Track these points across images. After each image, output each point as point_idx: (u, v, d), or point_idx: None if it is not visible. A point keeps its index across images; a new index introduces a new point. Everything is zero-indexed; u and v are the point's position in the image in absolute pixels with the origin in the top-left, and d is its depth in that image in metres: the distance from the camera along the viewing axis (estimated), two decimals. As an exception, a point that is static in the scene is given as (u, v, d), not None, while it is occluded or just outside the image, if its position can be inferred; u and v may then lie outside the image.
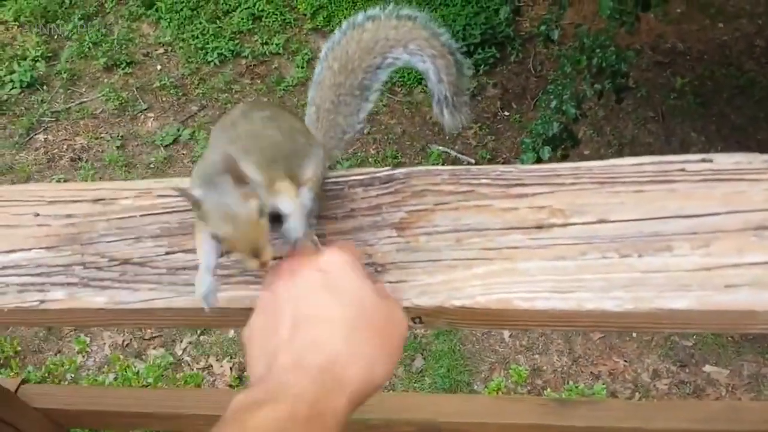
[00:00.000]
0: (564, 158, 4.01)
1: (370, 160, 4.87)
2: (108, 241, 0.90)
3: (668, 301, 0.73)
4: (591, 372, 3.80)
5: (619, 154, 4.86)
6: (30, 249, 0.91)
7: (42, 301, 0.86)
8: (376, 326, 0.65)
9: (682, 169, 0.83)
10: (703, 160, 0.83)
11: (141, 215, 0.92)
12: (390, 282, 0.81)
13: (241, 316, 0.84)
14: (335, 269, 0.67)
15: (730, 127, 4.91)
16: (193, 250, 0.88)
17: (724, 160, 0.83)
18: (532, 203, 0.85)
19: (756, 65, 5.28)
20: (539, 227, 0.82)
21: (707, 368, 3.75)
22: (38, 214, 0.95)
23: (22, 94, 5.31)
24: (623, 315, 0.74)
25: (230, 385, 3.41)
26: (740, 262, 0.74)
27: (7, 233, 0.94)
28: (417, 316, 0.81)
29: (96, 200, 0.95)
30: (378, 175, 0.92)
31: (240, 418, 0.57)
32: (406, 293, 0.80)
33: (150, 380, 2.80)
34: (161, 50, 5.57)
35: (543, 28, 4.08)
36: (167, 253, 0.87)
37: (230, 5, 5.78)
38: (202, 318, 0.86)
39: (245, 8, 5.73)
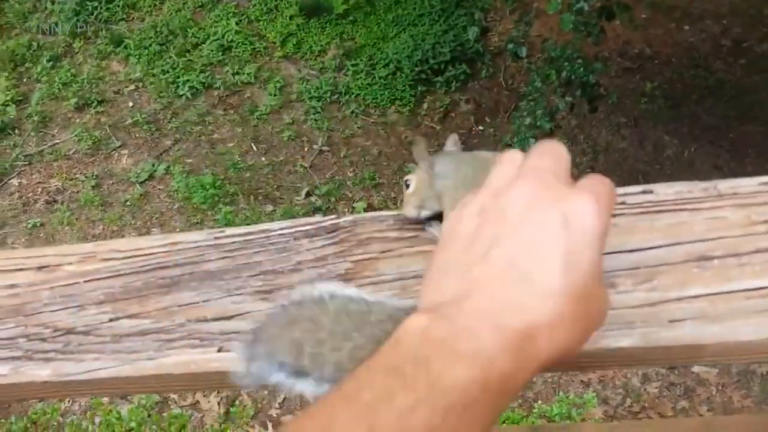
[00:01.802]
0: (542, 171, 4.02)
1: (348, 183, 4.87)
2: (51, 311, 0.88)
3: (613, 340, 0.72)
4: (581, 380, 3.79)
5: (595, 161, 4.89)
6: (-27, 323, 0.89)
7: (-14, 378, 0.84)
8: (588, 312, 0.53)
9: (623, 202, 0.83)
10: (644, 192, 0.83)
11: (84, 281, 0.90)
12: (337, 336, 0.80)
13: (186, 380, 0.82)
14: (581, 227, 0.53)
15: (702, 127, 4.96)
16: (136, 316, 0.86)
17: (665, 191, 0.83)
18: (477, 245, 0.84)
19: (724, 65, 5.35)
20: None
21: (696, 369, 3.76)
22: (-19, 286, 0.93)
23: (-6, 140, 5.28)
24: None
25: (218, 422, 3.38)
26: (683, 295, 0.74)
27: (-50, 307, 0.92)
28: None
29: (40, 267, 0.94)
30: (324, 224, 0.91)
31: (431, 363, 0.46)
32: (353, 347, 0.78)
33: (133, 425, 2.76)
34: (132, 87, 5.56)
35: (511, 45, 4.12)
36: (111, 320, 0.86)
37: (199, 38, 5.79)
38: (149, 385, 0.84)
39: (214, 40, 5.74)
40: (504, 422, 3.02)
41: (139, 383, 0.83)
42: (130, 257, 0.92)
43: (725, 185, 0.81)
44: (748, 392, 3.63)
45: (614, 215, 0.82)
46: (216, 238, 0.92)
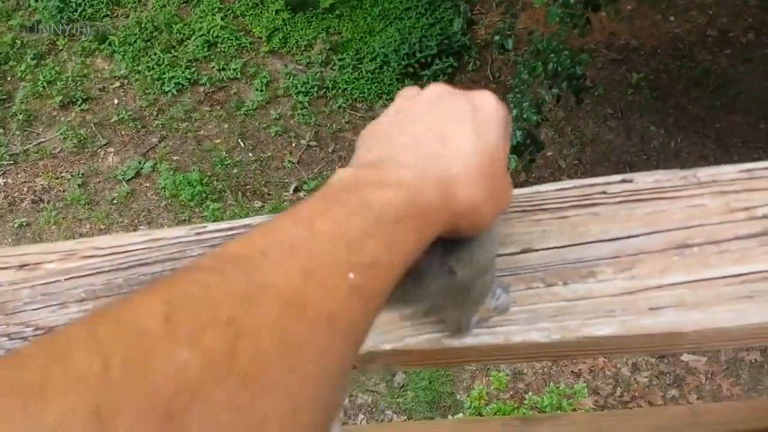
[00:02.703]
0: (531, 162, 4.04)
1: (336, 178, 4.86)
2: (32, 309, 0.88)
3: (594, 329, 0.72)
4: (571, 371, 3.82)
5: (582, 152, 4.91)
6: (-47, 323, 0.89)
7: (-34, 377, 0.83)
8: (496, 180, 0.61)
9: (603, 192, 0.83)
10: (624, 181, 0.83)
11: (65, 279, 0.90)
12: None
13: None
14: (487, 112, 0.61)
15: (689, 118, 4.99)
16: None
17: (644, 179, 0.83)
18: (459, 236, 0.84)
19: (709, 55, 5.38)
20: (466, 261, 0.81)
21: (685, 357, 3.79)
22: (-39, 286, 0.92)
23: (-22, 139, 5.24)
24: (551, 346, 0.73)
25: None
26: (663, 283, 0.74)
27: (-70, 308, 0.91)
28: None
29: (21, 266, 0.93)
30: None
31: (361, 189, 0.51)
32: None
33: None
34: (117, 84, 5.52)
35: (497, 37, 4.12)
36: (92, 317, 0.85)
37: (184, 34, 5.76)
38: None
39: (199, 36, 5.71)
40: (495, 414, 3.03)
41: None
42: (110, 254, 0.91)
43: (705, 173, 0.82)
44: (737, 380, 3.67)
45: (594, 204, 0.83)
46: (198, 233, 0.91)
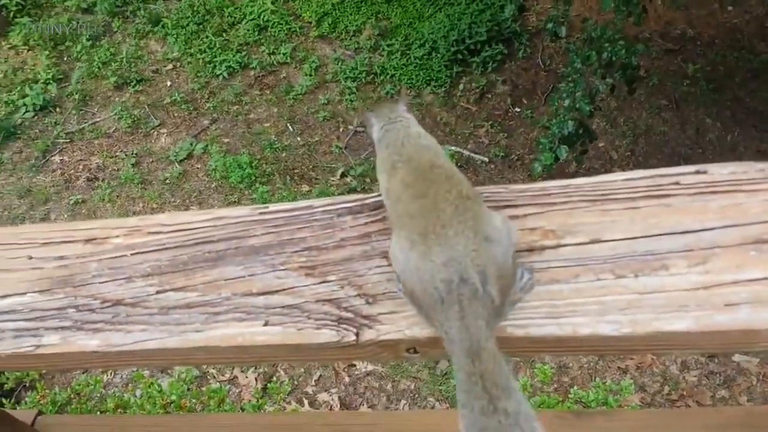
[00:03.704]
0: (583, 153, 3.98)
1: (382, 164, 4.85)
2: (100, 282, 0.90)
3: (666, 323, 0.71)
4: (618, 367, 3.75)
5: (635, 144, 4.80)
6: (24, 293, 0.91)
7: (37, 346, 0.86)
8: None
9: (677, 183, 0.81)
10: (698, 172, 0.81)
11: (131, 254, 0.91)
12: (381, 313, 0.80)
13: (232, 353, 0.83)
14: None
15: (746, 111, 4.83)
16: (182, 289, 0.87)
17: (719, 171, 0.80)
18: (524, 225, 0.83)
19: (769, 47, 5.20)
20: (531, 250, 0.80)
21: (737, 358, 3.69)
22: (31, 257, 0.95)
23: (36, 117, 5.37)
24: (621, 339, 0.72)
25: (255, 397, 3.42)
26: (739, 278, 0.72)
27: (2, 277, 0.94)
28: (411, 346, 0.79)
29: (87, 240, 0.95)
30: (367, 201, 0.91)
31: None
32: (398, 324, 0.78)
33: (173, 398, 2.81)
34: (170, 66, 5.60)
35: (550, 25, 4.05)
36: (158, 292, 0.87)
37: (235, 18, 5.80)
38: (195, 357, 0.85)
39: (250, 20, 5.75)
40: (539, 407, 3.00)
41: (186, 355, 0.84)
42: (175, 231, 0.93)
43: (785, 166, 0.79)
44: (790, 382, 3.56)
45: (667, 195, 0.81)
46: (260, 213, 0.92)
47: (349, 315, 0.80)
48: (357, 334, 0.78)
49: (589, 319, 0.73)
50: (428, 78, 5.30)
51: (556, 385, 3.57)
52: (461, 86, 5.29)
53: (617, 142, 4.83)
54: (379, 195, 0.91)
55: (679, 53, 5.28)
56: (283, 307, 0.82)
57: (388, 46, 5.50)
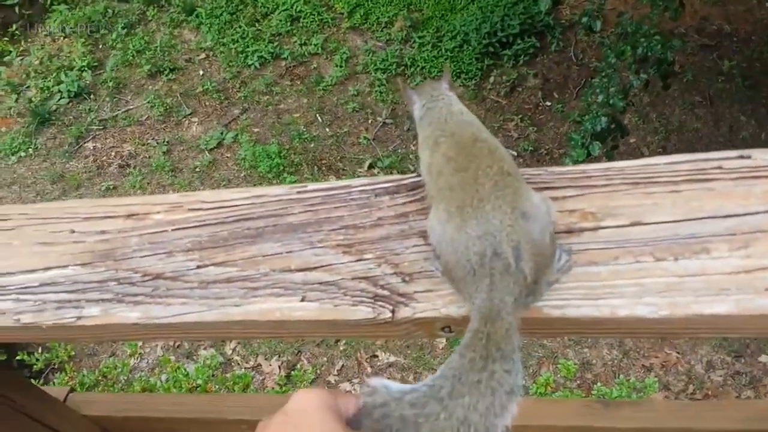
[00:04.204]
0: (614, 149, 3.94)
1: (410, 156, 4.86)
2: (141, 257, 0.91)
3: (706, 306, 0.70)
4: (642, 365, 3.72)
5: (666, 140, 4.73)
6: (66, 266, 0.93)
7: (78, 318, 0.88)
8: None
9: (719, 167, 0.80)
10: (741, 157, 0.80)
11: (172, 229, 0.93)
12: (417, 292, 0.80)
13: (269, 328, 0.84)
14: (297, 411, 0.69)
15: (783, 109, 4.74)
16: (222, 264, 0.88)
17: (763, 157, 0.79)
18: (562, 207, 0.82)
19: (808, 43, 5.08)
20: (569, 232, 0.80)
21: (763, 358, 3.64)
22: (74, 231, 0.97)
23: (71, 104, 5.47)
24: (658, 321, 0.71)
25: (279, 384, 3.45)
26: (782, 263, 0.71)
27: (45, 250, 0.96)
28: (446, 325, 0.79)
29: (128, 215, 0.97)
30: (404, 182, 0.91)
31: None
32: (433, 302, 0.79)
33: (199, 382, 2.84)
34: (203, 55, 5.66)
35: (585, 19, 4.01)
36: (198, 267, 0.88)
37: (268, 8, 5.84)
38: (233, 331, 0.86)
39: (283, 10, 5.78)
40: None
41: (224, 329, 0.85)
42: (215, 208, 0.94)
43: (831, 152, 0.77)
44: (816, 384, 3.50)
45: (709, 179, 0.80)
46: (298, 192, 0.93)
47: (386, 293, 0.80)
48: (393, 312, 0.79)
49: (627, 301, 0.72)
50: (459, 70, 5.29)
51: (579, 381, 3.55)
52: (492, 79, 5.27)
53: (649, 138, 4.77)
54: (417, 176, 0.92)
55: (714, 49, 5.19)
56: (320, 283, 0.83)
57: (419, 38, 5.49)
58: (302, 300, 0.82)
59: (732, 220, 0.75)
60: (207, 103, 5.33)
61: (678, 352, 3.68)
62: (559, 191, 0.85)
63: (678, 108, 4.88)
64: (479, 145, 0.81)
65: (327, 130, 5.09)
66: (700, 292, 0.71)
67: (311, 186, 0.94)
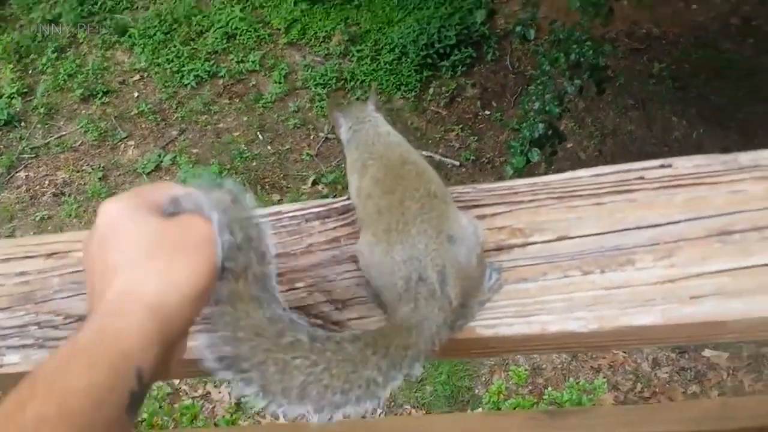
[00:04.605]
0: (552, 155, 4.01)
1: (354, 170, 4.85)
2: (62, 298, 0.88)
3: (632, 318, 0.71)
4: (591, 366, 3.78)
5: (602, 144, 4.85)
6: (-16, 311, 0.89)
7: (-2, 366, 0.84)
8: (168, 242, 0.63)
9: (641, 177, 0.81)
10: (662, 166, 0.82)
11: (94, 267, 0.89)
12: (351, 319, 0.79)
13: (198, 366, 0.81)
14: (108, 224, 0.67)
15: (711, 108, 4.91)
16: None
17: (684, 164, 0.81)
18: (491, 224, 0.83)
19: (732, 44, 5.29)
20: (499, 249, 0.80)
21: (707, 353, 3.74)
22: (-9, 274, 0.92)
23: (0, 133, 5.28)
24: (588, 336, 0.72)
25: (229, 412, 3.38)
26: (704, 270, 0.72)
27: (-39, 296, 0.91)
28: (382, 350, 0.78)
29: (49, 255, 0.93)
30: (335, 205, 0.90)
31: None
32: (368, 329, 0.78)
33: (145, 416, 2.76)
34: (137, 77, 5.54)
35: (519, 28, 4.08)
36: (122, 305, 0.85)
37: (203, 26, 5.76)
38: (163, 369, 0.83)
39: (218, 28, 5.71)
40: (514, 409, 3.01)
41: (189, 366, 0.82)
42: (139, 242, 0.91)
43: (746, 158, 0.80)
44: (759, 375, 3.61)
45: (632, 190, 0.81)
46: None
47: (319, 322, 0.79)
48: (326, 341, 0.77)
49: (557, 317, 0.73)
50: (398, 83, 5.31)
51: (530, 387, 3.58)
52: (431, 90, 5.31)
53: (585, 142, 4.88)
54: (348, 199, 0.91)
55: (645, 52, 5.36)
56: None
57: (358, 51, 5.50)
58: (232, 334, 0.80)
59: (655, 230, 0.76)
60: (143, 126, 5.22)
61: (624, 352, 3.75)
62: (487, 208, 0.85)
63: (612, 112, 5.02)
64: (407, 167, 0.81)
65: (269, 147, 5.04)
66: (627, 304, 0.72)
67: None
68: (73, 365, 0.55)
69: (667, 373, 3.69)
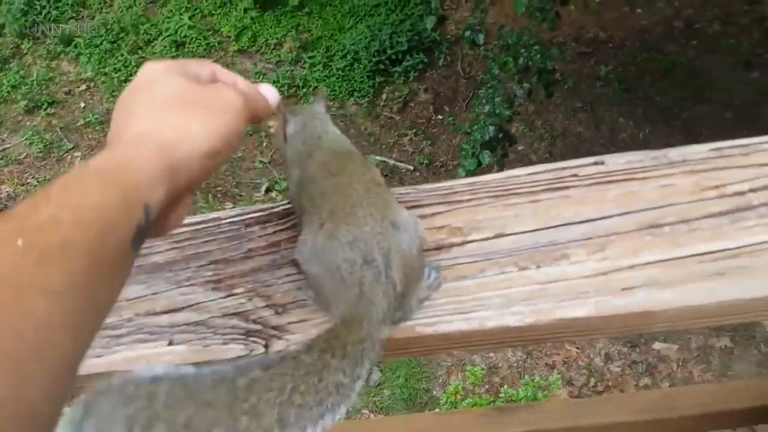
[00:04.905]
0: (504, 157, 4.06)
1: (308, 177, 4.83)
2: None
3: (567, 311, 0.72)
4: (546, 363, 3.83)
5: (552, 146, 4.94)
6: None
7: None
8: (195, 100, 0.66)
9: (575, 174, 0.83)
10: (596, 163, 0.83)
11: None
12: (291, 322, 0.78)
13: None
14: (146, 80, 0.68)
15: (656, 109, 5.05)
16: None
17: (616, 161, 0.83)
18: (431, 224, 0.83)
19: (676, 47, 5.44)
20: (439, 248, 0.81)
21: (656, 345, 3.82)
22: None
23: (-59, 146, 5.11)
24: (524, 329, 0.73)
25: None
26: (636, 263, 0.74)
27: None
28: (323, 353, 0.78)
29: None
30: (275, 210, 0.90)
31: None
32: (308, 333, 0.77)
33: None
34: (83, 87, 5.43)
35: (468, 33, 4.12)
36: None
37: (151, 35, 5.67)
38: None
39: (167, 36, 5.63)
40: (473, 407, 3.04)
41: (88, 382, 0.80)
42: (74, 252, 0.89)
43: (675, 153, 0.82)
44: (708, 366, 3.70)
45: (566, 187, 0.83)
46: (161, 230, 0.89)
47: (258, 327, 0.78)
48: (266, 346, 0.77)
49: (494, 312, 0.74)
50: (351, 89, 5.32)
51: (487, 386, 3.62)
52: (384, 96, 5.33)
53: (536, 144, 4.96)
54: (288, 203, 0.90)
55: (592, 56, 5.47)
56: (188, 324, 0.80)
57: (309, 58, 5.49)
58: (169, 344, 0.78)
59: (588, 225, 0.78)
60: (90, 136, 5.11)
61: (578, 347, 3.81)
62: (427, 208, 0.86)
63: (561, 114, 5.11)
64: (354, 155, 0.82)
65: (221, 156, 4.99)
66: (562, 297, 0.73)
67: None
68: (86, 183, 0.55)
69: (619, 366, 3.76)
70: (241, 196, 4.74)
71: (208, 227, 0.89)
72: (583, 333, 0.74)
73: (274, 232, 0.87)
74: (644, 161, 0.83)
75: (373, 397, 3.67)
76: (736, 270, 0.71)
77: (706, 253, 0.73)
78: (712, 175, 0.79)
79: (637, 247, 0.75)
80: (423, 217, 0.84)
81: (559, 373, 3.56)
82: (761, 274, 0.70)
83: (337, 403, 0.65)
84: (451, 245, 0.81)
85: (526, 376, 3.54)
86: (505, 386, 3.47)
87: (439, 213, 0.85)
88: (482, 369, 3.60)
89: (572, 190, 0.81)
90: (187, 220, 0.91)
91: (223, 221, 0.89)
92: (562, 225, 0.78)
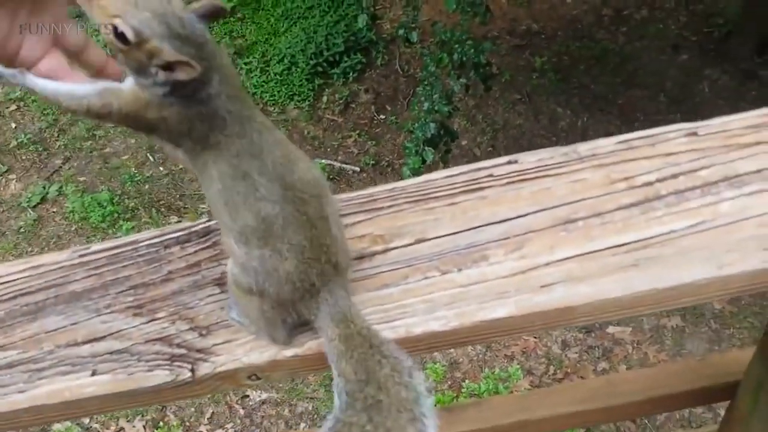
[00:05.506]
0: (447, 152, 4.08)
1: (253, 185, 4.77)
2: None
3: (489, 312, 0.73)
4: (505, 354, 3.87)
5: (494, 139, 5.00)
6: None
7: None
8: None
9: (491, 175, 0.84)
10: (509, 162, 0.84)
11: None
12: (216, 344, 0.77)
13: (62, 410, 0.77)
14: None
15: (592, 96, 5.15)
16: (2, 348, 0.81)
17: (528, 159, 0.84)
18: (353, 233, 0.83)
19: (607, 34, 5.56)
20: (361, 257, 0.81)
21: (611, 329, 3.90)
22: None
23: None
24: (450, 333, 0.73)
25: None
26: (552, 259, 0.75)
27: None
28: (252, 373, 0.77)
29: None
30: (195, 229, 0.88)
31: None
32: (234, 353, 0.76)
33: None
34: (13, 107, 5.25)
35: (402, 31, 4.13)
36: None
37: (81, 49, 5.53)
38: (23, 419, 0.79)
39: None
40: (435, 405, 3.05)
41: (12, 419, 0.77)
42: (-12, 287, 0.86)
43: (584, 147, 0.84)
44: (661, 346, 3.80)
45: (482, 188, 0.83)
46: (81, 256, 0.87)
47: (182, 351, 0.77)
48: (192, 370, 0.75)
49: (419, 319, 0.74)
50: (291, 93, 5.28)
51: (449, 382, 3.64)
52: (325, 98, 5.31)
53: (478, 138, 5.01)
54: (208, 220, 0.89)
55: (526, 48, 5.55)
56: (110, 353, 0.78)
57: (245, 64, 5.43)
58: (93, 374, 0.76)
59: (505, 225, 0.79)
60: (24, 157, 4.95)
61: (535, 337, 3.87)
62: (349, 217, 0.85)
63: (501, 107, 5.18)
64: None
65: (161, 168, 4.89)
66: (484, 299, 0.74)
67: (94, 247, 0.88)
68: None
69: (576, 353, 3.83)
70: (186, 208, 4.66)
71: (125, 251, 0.87)
72: (507, 332, 0.75)
73: (195, 251, 0.86)
74: (555, 158, 0.84)
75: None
76: (648, 260, 0.73)
77: (619, 246, 0.75)
78: (620, 167, 0.81)
79: (554, 244, 0.76)
80: (345, 227, 0.84)
81: (518, 364, 3.61)
82: (672, 263, 0.72)
83: (412, 420, 0.75)
84: (374, 254, 0.81)
85: (487, 369, 3.57)
86: (467, 381, 3.49)
87: (360, 222, 0.84)
88: (443, 366, 3.62)
89: (488, 190, 0.82)
90: (104, 245, 0.89)
91: (141, 244, 0.87)
92: (480, 226, 0.79)
